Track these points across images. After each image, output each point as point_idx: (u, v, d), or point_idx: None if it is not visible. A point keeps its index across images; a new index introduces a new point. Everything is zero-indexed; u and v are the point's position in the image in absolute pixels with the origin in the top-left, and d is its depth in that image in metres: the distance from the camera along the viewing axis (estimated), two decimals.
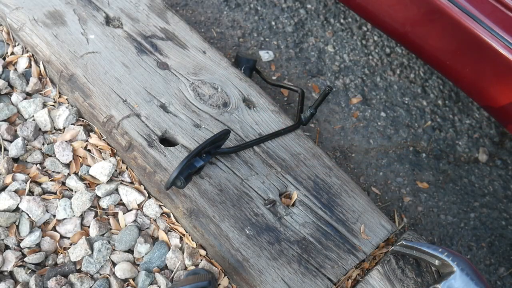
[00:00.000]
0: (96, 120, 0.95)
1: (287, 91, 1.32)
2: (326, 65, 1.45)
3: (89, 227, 0.87)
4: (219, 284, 0.86)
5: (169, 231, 0.90)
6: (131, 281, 0.83)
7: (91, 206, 0.88)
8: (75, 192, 0.89)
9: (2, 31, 1.06)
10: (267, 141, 0.98)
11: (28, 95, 1.00)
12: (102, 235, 0.86)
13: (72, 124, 0.97)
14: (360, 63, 1.49)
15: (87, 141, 0.96)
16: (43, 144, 0.93)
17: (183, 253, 0.87)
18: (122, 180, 0.93)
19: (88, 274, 0.82)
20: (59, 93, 1.02)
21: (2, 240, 0.81)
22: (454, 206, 1.24)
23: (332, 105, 1.35)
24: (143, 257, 0.86)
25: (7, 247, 0.81)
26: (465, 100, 1.50)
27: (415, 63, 1.55)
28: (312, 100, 1.34)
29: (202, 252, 0.88)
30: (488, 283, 0.81)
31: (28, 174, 0.89)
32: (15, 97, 0.97)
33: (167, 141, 0.95)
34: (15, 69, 1.02)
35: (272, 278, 0.82)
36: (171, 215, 0.91)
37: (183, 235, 0.89)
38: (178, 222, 0.91)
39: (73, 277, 0.80)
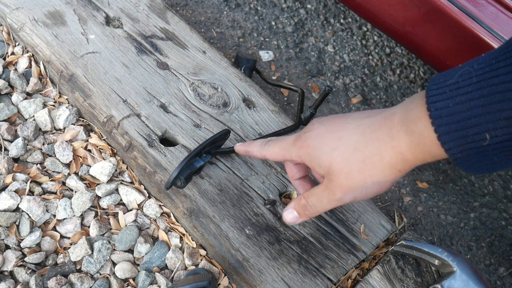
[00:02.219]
0: (96, 120, 0.95)
1: (287, 91, 1.32)
2: (326, 65, 1.45)
3: (89, 227, 0.87)
4: (219, 284, 0.86)
5: (169, 231, 0.90)
6: (131, 281, 0.83)
7: (91, 206, 0.88)
8: (75, 192, 0.89)
9: (2, 31, 1.06)
10: None
11: (28, 95, 1.00)
12: (102, 235, 0.86)
13: (72, 124, 0.97)
14: (360, 63, 1.49)
15: (87, 141, 0.96)
16: (43, 144, 0.93)
17: (183, 253, 0.87)
18: (122, 180, 0.93)
19: (88, 274, 0.82)
20: (59, 93, 1.02)
21: (2, 240, 0.81)
22: (454, 206, 1.24)
23: (332, 105, 1.35)
24: (143, 257, 0.86)
25: (7, 247, 0.82)
26: None
27: (415, 63, 1.55)
28: (312, 100, 1.34)
29: (202, 252, 0.88)
30: (488, 283, 0.82)
31: (28, 174, 0.89)
32: (15, 97, 0.97)
33: (167, 141, 0.95)
34: (15, 69, 1.02)
35: (272, 278, 0.82)
36: (171, 215, 0.91)
37: (183, 235, 0.89)
38: (178, 222, 0.91)
39: (73, 277, 0.80)
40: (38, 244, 0.83)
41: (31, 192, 0.87)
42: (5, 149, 0.90)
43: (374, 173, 0.46)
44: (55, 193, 0.89)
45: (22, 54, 1.04)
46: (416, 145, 0.43)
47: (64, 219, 0.86)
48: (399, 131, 0.44)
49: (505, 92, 0.35)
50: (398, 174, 0.46)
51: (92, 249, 0.83)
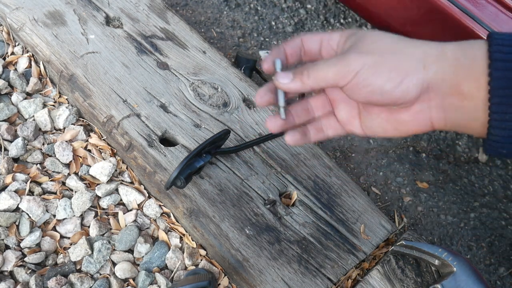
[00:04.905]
0: (96, 120, 0.95)
1: None
2: None
3: (89, 227, 0.87)
4: (219, 284, 0.86)
5: (169, 231, 0.90)
6: (131, 281, 0.83)
7: (91, 206, 0.88)
8: (75, 192, 0.89)
9: (2, 31, 1.06)
10: (267, 141, 0.98)
11: (28, 95, 1.00)
12: (102, 235, 0.86)
13: (72, 124, 0.97)
14: None
15: (87, 141, 0.96)
16: (43, 144, 0.93)
17: (183, 253, 0.87)
18: (122, 180, 0.93)
19: (88, 274, 0.82)
20: (59, 93, 1.02)
21: (2, 240, 0.81)
22: (454, 206, 1.24)
23: None
24: (143, 257, 0.86)
25: (7, 247, 0.81)
26: None
27: None
28: None
29: (202, 252, 0.88)
30: (488, 283, 0.82)
31: (28, 174, 0.89)
32: (15, 97, 0.97)
33: (167, 141, 0.95)
34: (15, 69, 1.02)
35: (272, 278, 0.82)
36: (171, 215, 0.91)
37: (183, 235, 0.89)
38: (178, 222, 0.91)
39: (73, 277, 0.80)
40: (38, 244, 0.83)
41: (31, 192, 0.87)
42: (5, 149, 0.90)
43: (400, 57, 0.42)
44: (55, 193, 0.89)
45: (22, 54, 1.04)
46: (462, 55, 0.40)
47: (64, 219, 0.86)
48: (448, 45, 0.42)
49: None
50: (420, 72, 0.41)
51: (92, 249, 0.83)
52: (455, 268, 0.80)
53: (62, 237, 0.86)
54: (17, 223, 0.83)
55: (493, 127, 0.39)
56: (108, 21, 1.10)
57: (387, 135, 0.48)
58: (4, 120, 0.93)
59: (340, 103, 0.51)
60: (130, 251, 0.87)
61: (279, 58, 0.48)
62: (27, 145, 0.91)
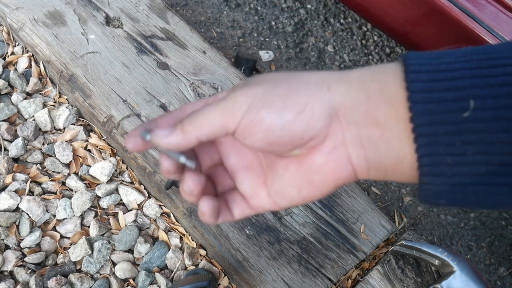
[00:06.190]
0: (96, 120, 0.95)
1: None
2: (326, 65, 1.45)
3: (89, 227, 0.87)
4: (219, 284, 0.86)
5: (169, 231, 0.90)
6: (131, 281, 0.83)
7: (91, 206, 0.88)
8: (75, 192, 0.89)
9: (2, 31, 1.06)
10: None
11: (28, 95, 1.00)
12: (102, 235, 0.86)
13: (72, 124, 0.97)
14: (360, 63, 1.49)
15: (87, 141, 0.96)
16: (43, 144, 0.93)
17: (183, 253, 0.87)
18: (122, 180, 0.93)
19: (88, 274, 0.82)
20: (59, 93, 1.02)
21: (2, 240, 0.81)
22: None
23: None
24: (143, 257, 0.86)
25: (7, 247, 0.81)
26: None
27: None
28: None
29: (202, 252, 0.88)
30: (488, 283, 0.82)
31: (28, 174, 0.89)
32: (15, 97, 0.97)
33: None
34: (15, 69, 1.02)
35: (272, 278, 0.82)
36: (171, 215, 0.91)
37: (183, 235, 0.89)
38: (178, 222, 0.91)
39: (73, 277, 0.80)
40: (38, 244, 0.83)
41: (31, 192, 0.87)
42: (5, 149, 0.90)
43: (297, 83, 0.34)
44: (55, 193, 0.89)
45: (22, 54, 1.04)
46: (369, 79, 0.32)
47: (64, 219, 0.86)
48: (351, 70, 0.34)
49: (501, 59, 0.28)
50: (324, 94, 0.33)
51: (92, 249, 0.83)
52: (455, 268, 0.80)
53: (62, 237, 0.86)
54: (17, 223, 0.83)
55: (425, 174, 0.31)
56: (108, 21, 1.10)
57: (302, 196, 0.38)
58: (4, 120, 0.93)
59: (240, 172, 0.41)
60: (130, 251, 0.87)
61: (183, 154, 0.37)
62: (27, 145, 0.91)
